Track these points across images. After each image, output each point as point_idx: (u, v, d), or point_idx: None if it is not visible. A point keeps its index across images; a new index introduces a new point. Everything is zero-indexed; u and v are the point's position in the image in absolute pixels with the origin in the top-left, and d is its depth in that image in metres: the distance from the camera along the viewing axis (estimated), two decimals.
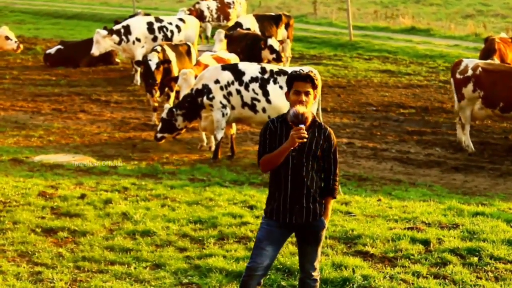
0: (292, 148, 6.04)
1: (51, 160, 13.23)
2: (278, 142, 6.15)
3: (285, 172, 6.18)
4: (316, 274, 6.35)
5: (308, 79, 6.17)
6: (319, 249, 6.34)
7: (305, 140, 6.01)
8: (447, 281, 7.65)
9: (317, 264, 6.35)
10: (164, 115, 13.95)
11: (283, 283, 7.62)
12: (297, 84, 6.17)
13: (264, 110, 13.41)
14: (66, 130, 15.76)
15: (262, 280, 6.30)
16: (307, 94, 6.16)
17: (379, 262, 8.17)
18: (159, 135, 14.05)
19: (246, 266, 6.31)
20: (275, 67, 13.94)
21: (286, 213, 6.21)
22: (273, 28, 20.85)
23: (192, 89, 13.70)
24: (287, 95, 6.27)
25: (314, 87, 6.22)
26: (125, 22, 20.38)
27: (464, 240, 8.67)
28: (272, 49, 17.81)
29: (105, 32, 19.69)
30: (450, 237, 8.72)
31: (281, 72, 13.49)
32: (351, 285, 7.53)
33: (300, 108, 6.04)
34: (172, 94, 16.13)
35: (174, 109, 13.84)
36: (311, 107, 6.21)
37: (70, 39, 26.33)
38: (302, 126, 5.98)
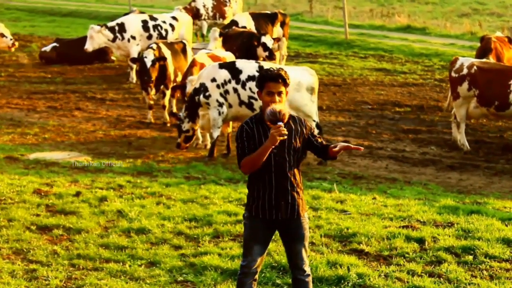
0: (273, 146, 6.04)
1: (46, 157, 13.22)
2: (258, 143, 6.14)
3: (268, 169, 6.18)
4: (307, 268, 6.33)
5: (279, 79, 6.15)
6: (307, 244, 6.34)
7: (285, 137, 6.01)
8: (442, 279, 7.66)
9: (306, 258, 6.32)
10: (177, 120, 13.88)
11: (278, 281, 7.63)
12: (268, 85, 6.15)
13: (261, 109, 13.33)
14: (61, 128, 15.73)
15: (257, 276, 6.32)
16: (279, 94, 6.16)
17: (374, 260, 8.18)
18: (177, 141, 13.85)
19: (240, 265, 6.34)
20: (273, 65, 13.90)
21: (272, 210, 6.21)
22: (269, 26, 20.82)
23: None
24: (259, 94, 6.26)
25: (286, 85, 6.19)
26: (119, 20, 20.36)
27: (459, 239, 8.68)
28: (265, 47, 17.73)
29: (98, 27, 19.67)
30: (445, 236, 8.74)
31: None
32: (346, 283, 7.54)
33: (277, 106, 6.02)
34: (168, 92, 16.11)
35: (180, 113, 13.74)
36: (285, 103, 6.22)
37: (66, 36, 26.28)
38: (281, 123, 5.97)
